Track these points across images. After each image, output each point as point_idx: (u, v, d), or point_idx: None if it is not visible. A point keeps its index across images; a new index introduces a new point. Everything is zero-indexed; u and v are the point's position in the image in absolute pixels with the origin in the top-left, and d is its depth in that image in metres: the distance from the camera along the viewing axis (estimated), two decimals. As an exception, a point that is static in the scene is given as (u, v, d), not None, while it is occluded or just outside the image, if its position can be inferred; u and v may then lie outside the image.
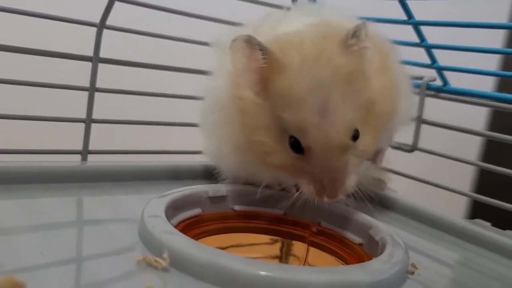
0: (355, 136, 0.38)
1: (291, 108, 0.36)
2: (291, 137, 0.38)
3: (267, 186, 0.46)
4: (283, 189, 0.46)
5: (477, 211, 1.14)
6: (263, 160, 0.40)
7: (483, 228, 0.51)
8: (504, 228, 0.51)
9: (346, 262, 0.42)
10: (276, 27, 0.42)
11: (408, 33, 0.56)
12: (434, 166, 0.75)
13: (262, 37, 0.39)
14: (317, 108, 0.36)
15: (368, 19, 0.49)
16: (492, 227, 0.52)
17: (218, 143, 0.47)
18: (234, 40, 0.38)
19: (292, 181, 0.44)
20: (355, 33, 0.38)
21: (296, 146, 0.38)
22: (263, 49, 0.37)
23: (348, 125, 0.37)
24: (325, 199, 0.38)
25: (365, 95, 0.39)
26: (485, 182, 1.31)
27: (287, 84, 0.37)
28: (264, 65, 0.37)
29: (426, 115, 0.59)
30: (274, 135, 0.39)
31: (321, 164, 0.37)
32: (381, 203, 0.58)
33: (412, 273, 0.38)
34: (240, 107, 0.40)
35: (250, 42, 0.37)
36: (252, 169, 0.44)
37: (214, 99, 0.46)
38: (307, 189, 0.39)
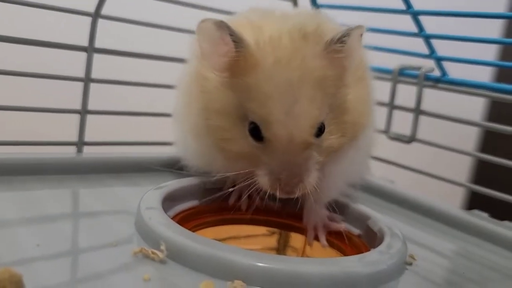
0: (320, 130, 0.37)
1: (257, 101, 0.36)
2: (251, 123, 0.37)
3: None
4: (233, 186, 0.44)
5: (474, 202, 1.15)
6: (220, 146, 0.39)
7: (480, 219, 0.51)
8: (501, 219, 0.51)
9: (344, 253, 0.42)
10: (263, 19, 0.41)
11: (406, 23, 0.56)
12: (432, 157, 0.75)
13: (248, 27, 0.38)
14: (283, 105, 0.35)
15: (365, 9, 0.49)
16: (489, 218, 0.52)
17: (182, 130, 0.46)
18: (202, 21, 0.36)
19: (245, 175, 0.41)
20: (341, 38, 0.37)
21: (255, 133, 0.37)
22: (236, 38, 0.36)
23: (311, 123, 0.36)
24: (280, 194, 0.37)
25: (337, 101, 0.38)
26: (483, 173, 1.31)
27: (257, 80, 0.36)
28: (234, 53, 0.37)
29: (424, 106, 0.59)
30: (234, 121, 0.38)
31: (280, 157, 0.36)
32: (379, 194, 0.58)
33: (410, 264, 0.38)
34: (202, 87, 0.39)
35: (220, 26, 0.36)
36: (210, 158, 0.43)
37: (182, 83, 0.45)
38: (262, 181, 0.37)
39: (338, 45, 0.37)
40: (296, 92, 0.35)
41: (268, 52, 0.36)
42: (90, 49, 0.51)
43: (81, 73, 0.51)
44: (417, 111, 0.59)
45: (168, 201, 0.40)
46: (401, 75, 0.60)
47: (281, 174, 0.36)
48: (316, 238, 0.44)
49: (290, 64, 0.36)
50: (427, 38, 0.55)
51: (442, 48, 0.57)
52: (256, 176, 0.38)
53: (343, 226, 0.43)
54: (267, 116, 0.36)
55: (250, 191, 0.45)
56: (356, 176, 0.49)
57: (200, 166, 0.46)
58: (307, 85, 0.36)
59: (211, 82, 0.39)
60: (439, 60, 0.57)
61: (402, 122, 0.61)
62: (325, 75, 0.36)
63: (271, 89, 0.35)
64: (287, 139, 0.36)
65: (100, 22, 0.51)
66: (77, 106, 0.52)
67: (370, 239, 0.41)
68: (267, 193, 0.39)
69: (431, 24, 0.56)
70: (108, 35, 0.52)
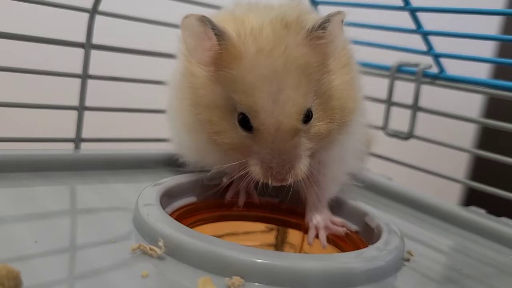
0: (307, 117, 0.38)
1: (243, 92, 0.36)
2: (240, 113, 0.37)
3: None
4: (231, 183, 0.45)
5: (472, 198, 1.15)
6: (213, 140, 0.39)
7: (478, 215, 0.51)
8: (498, 215, 0.52)
9: (342, 249, 0.42)
10: (246, 12, 0.42)
11: (404, 20, 0.56)
12: (429, 153, 0.75)
13: (231, 20, 0.39)
14: (269, 94, 0.36)
15: (362, 5, 0.49)
16: (486, 214, 0.52)
17: (176, 127, 0.46)
18: (185, 17, 0.37)
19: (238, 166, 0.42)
20: (322, 25, 0.37)
21: (244, 123, 0.37)
22: (218, 31, 0.37)
23: (297, 110, 0.36)
24: (272, 182, 0.37)
25: (323, 87, 0.39)
26: (480, 169, 1.31)
27: (241, 71, 0.36)
28: (218, 47, 0.37)
29: (422, 103, 0.59)
30: (223, 113, 0.38)
31: (270, 146, 0.37)
32: (377, 190, 0.58)
33: (408, 260, 0.38)
34: (191, 84, 0.40)
35: (203, 21, 0.36)
36: (204, 152, 0.44)
37: (173, 80, 0.45)
38: (254, 170, 0.38)
39: (320, 31, 0.37)
40: (281, 80, 0.36)
41: (250, 43, 0.37)
42: (88, 46, 0.51)
43: (79, 70, 0.51)
44: (415, 108, 0.59)
45: (166, 197, 0.40)
46: (399, 71, 0.60)
47: (272, 162, 0.36)
48: (317, 237, 0.44)
49: (273, 53, 0.36)
50: (425, 34, 0.55)
51: (440, 45, 0.57)
52: (249, 166, 0.38)
53: (344, 230, 0.43)
54: (254, 105, 0.36)
55: (247, 187, 0.45)
56: (353, 164, 0.49)
57: (195, 161, 0.46)
58: (291, 73, 0.36)
59: (198, 77, 0.39)
60: (437, 56, 0.57)
61: (400, 119, 0.61)
62: (308, 62, 0.37)
63: (255, 78, 0.36)
64: (275, 127, 0.36)
65: (98, 18, 0.50)
66: (75, 102, 0.51)
67: (367, 235, 0.41)
68: (263, 185, 0.39)
69: (429, 21, 0.56)
70: (106, 31, 0.52)
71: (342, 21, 0.38)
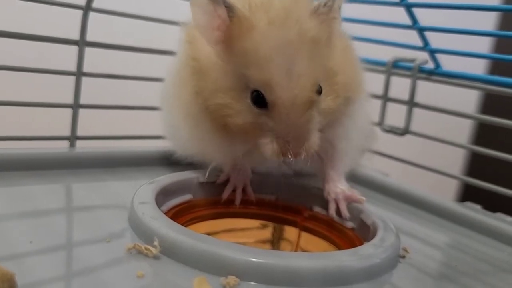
0: (319, 91, 0.38)
1: (257, 65, 0.36)
2: (254, 91, 0.37)
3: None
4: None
5: (467, 194, 1.15)
6: (221, 125, 0.39)
7: (473, 211, 0.51)
8: (494, 211, 0.52)
9: (338, 246, 0.42)
10: None
11: (400, 16, 0.56)
12: (425, 149, 0.75)
13: None
14: (283, 66, 0.35)
15: (359, 1, 0.49)
16: (482, 210, 0.52)
17: (173, 121, 0.46)
18: None
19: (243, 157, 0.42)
20: (327, 3, 0.38)
21: (259, 100, 0.37)
22: (229, 7, 0.36)
23: (312, 81, 0.36)
24: (290, 157, 0.37)
25: (329, 62, 0.39)
26: (476, 165, 1.32)
27: (253, 43, 0.36)
28: (229, 23, 0.37)
29: (418, 98, 0.59)
30: (234, 94, 0.38)
31: (286, 119, 0.36)
32: (372, 186, 0.58)
33: (404, 257, 0.38)
34: (195, 69, 0.39)
35: (229, 8, 0.36)
36: (207, 143, 0.43)
37: (170, 74, 0.45)
38: (270, 148, 0.37)
39: (326, 8, 0.38)
40: (295, 52, 0.36)
41: (262, 15, 0.36)
42: (82, 43, 0.50)
43: (73, 67, 0.51)
44: (411, 104, 0.59)
45: (162, 195, 0.40)
46: (395, 67, 0.60)
47: (288, 136, 0.36)
48: (310, 231, 0.44)
49: (285, 25, 0.36)
50: (421, 30, 0.55)
51: (436, 40, 0.57)
52: (261, 146, 0.38)
53: (364, 198, 0.43)
54: (269, 80, 0.36)
55: (244, 184, 0.45)
56: (363, 140, 0.49)
57: (194, 155, 0.46)
58: (304, 45, 0.36)
59: (204, 61, 0.39)
60: (433, 52, 0.57)
61: (396, 115, 0.61)
62: (318, 35, 0.37)
63: (269, 51, 0.35)
64: (291, 100, 0.36)
65: (92, 15, 0.50)
66: (70, 100, 0.51)
67: (363, 232, 0.41)
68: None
69: (425, 17, 0.56)
70: (101, 28, 0.52)
71: (340, 7, 0.40)
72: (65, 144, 0.51)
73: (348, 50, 0.43)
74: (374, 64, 0.61)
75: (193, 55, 0.40)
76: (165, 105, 0.48)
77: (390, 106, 0.61)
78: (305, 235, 0.46)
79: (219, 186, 0.45)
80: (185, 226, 0.35)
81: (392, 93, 0.61)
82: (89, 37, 0.51)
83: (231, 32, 0.37)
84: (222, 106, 0.38)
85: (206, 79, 0.39)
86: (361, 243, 0.39)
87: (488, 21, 1.22)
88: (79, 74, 0.51)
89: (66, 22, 0.51)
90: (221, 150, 0.42)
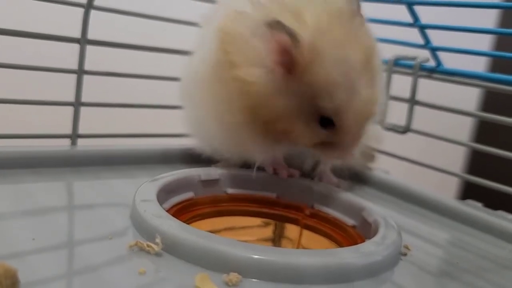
0: None
1: (327, 94, 0.36)
2: (323, 117, 0.37)
3: (260, 168, 0.46)
4: (275, 173, 0.47)
5: (468, 192, 1.15)
6: (286, 141, 0.40)
7: (474, 208, 0.51)
8: (495, 209, 0.52)
9: (339, 244, 0.42)
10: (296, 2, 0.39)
11: (401, 13, 0.56)
12: (426, 147, 0.75)
13: (287, 13, 0.37)
14: (353, 90, 0.36)
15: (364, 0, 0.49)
16: (483, 207, 0.52)
17: (207, 123, 0.46)
18: (260, 24, 0.36)
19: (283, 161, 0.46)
20: (356, 9, 0.38)
21: (327, 123, 0.38)
22: (291, 34, 0.35)
23: (376, 98, 0.38)
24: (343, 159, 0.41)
25: (374, 58, 0.39)
26: (477, 163, 1.32)
27: (321, 71, 0.36)
28: (292, 51, 0.36)
29: (419, 96, 0.59)
30: (300, 121, 0.38)
31: (352, 135, 0.38)
32: (374, 184, 0.58)
33: (405, 254, 0.39)
34: (243, 90, 0.38)
35: (276, 26, 0.35)
36: (246, 149, 0.44)
37: (199, 77, 0.45)
38: (328, 154, 0.40)
39: (356, 9, 0.38)
40: (360, 73, 0.36)
41: (324, 38, 0.36)
42: (83, 41, 0.50)
43: (75, 65, 0.51)
44: (412, 101, 0.59)
45: (164, 193, 0.40)
46: (396, 65, 0.60)
47: (349, 146, 0.39)
48: (312, 229, 0.45)
49: (348, 48, 0.36)
50: (422, 28, 0.55)
51: (437, 38, 0.57)
52: (319, 151, 0.40)
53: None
54: (340, 107, 0.36)
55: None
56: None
57: (230, 154, 0.46)
58: (367, 64, 0.37)
59: (257, 86, 0.38)
60: (434, 50, 0.57)
61: (397, 113, 0.61)
62: (373, 50, 0.38)
63: (338, 77, 0.36)
64: (359, 118, 0.37)
65: (93, 13, 0.50)
66: (71, 98, 0.51)
67: (365, 230, 0.41)
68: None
69: (426, 14, 0.56)
70: (101, 26, 0.52)
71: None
72: (66, 142, 0.52)
73: (369, 33, 0.42)
74: (375, 62, 0.61)
75: (242, 77, 0.38)
76: (194, 106, 0.48)
77: (391, 104, 0.61)
78: (306, 233, 0.46)
79: (220, 184, 0.46)
80: (187, 224, 0.35)
81: (393, 91, 0.61)
82: (91, 35, 0.51)
83: (293, 59, 0.36)
84: (285, 130, 0.39)
85: (261, 103, 0.38)
86: (363, 241, 0.39)
87: (489, 19, 1.22)
88: (80, 72, 0.51)
89: (67, 20, 0.51)
90: (265, 152, 0.44)
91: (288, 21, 0.36)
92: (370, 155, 0.59)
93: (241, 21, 0.38)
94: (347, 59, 0.36)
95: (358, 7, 0.38)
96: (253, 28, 0.36)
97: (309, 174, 0.49)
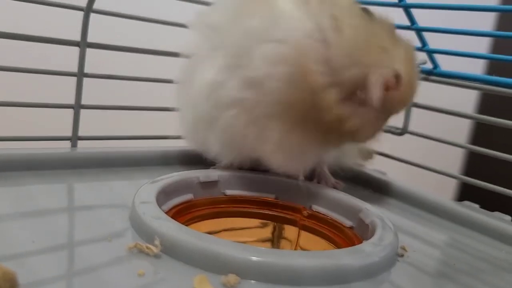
0: None
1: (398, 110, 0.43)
2: None
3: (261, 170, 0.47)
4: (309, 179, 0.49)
5: (465, 193, 1.16)
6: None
7: (471, 210, 0.51)
8: (492, 210, 0.52)
9: (337, 245, 0.43)
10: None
11: (398, 16, 0.56)
12: (424, 149, 0.75)
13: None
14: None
15: (361, 2, 0.49)
16: (480, 209, 0.53)
17: (218, 130, 0.45)
18: (379, 75, 0.38)
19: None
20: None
21: None
22: (398, 77, 0.39)
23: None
24: None
25: None
26: (474, 165, 1.32)
27: (400, 96, 0.40)
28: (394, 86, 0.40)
29: (416, 98, 0.59)
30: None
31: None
32: (371, 186, 0.58)
33: (402, 255, 0.39)
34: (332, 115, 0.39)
35: (398, 77, 0.39)
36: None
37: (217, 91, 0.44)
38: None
39: None
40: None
41: (406, 71, 0.40)
42: (83, 44, 0.51)
43: (75, 68, 0.51)
44: (410, 104, 0.59)
45: (163, 195, 0.41)
46: (393, 67, 0.61)
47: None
48: (310, 230, 0.45)
49: (414, 70, 0.42)
50: (419, 31, 0.56)
51: (434, 41, 0.57)
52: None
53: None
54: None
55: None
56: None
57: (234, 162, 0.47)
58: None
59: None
60: (431, 53, 0.57)
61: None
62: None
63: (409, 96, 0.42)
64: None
65: (93, 16, 0.50)
66: (71, 101, 0.52)
67: (362, 231, 0.42)
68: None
69: (423, 17, 0.56)
70: (101, 29, 0.52)
71: None
72: (67, 144, 0.52)
73: None
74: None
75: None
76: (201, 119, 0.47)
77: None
78: (304, 234, 0.46)
79: (219, 186, 0.46)
80: (186, 225, 0.35)
81: (391, 93, 0.61)
82: (91, 38, 0.51)
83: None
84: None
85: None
86: (360, 242, 0.40)
87: (486, 22, 1.23)
88: (80, 75, 0.51)
89: (67, 24, 0.52)
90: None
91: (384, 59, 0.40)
92: (368, 153, 0.60)
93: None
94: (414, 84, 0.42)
95: None
96: (382, 80, 0.39)
97: (308, 175, 0.50)
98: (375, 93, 0.38)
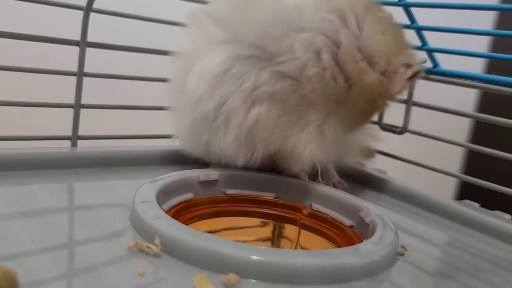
0: None
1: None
2: None
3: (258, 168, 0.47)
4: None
5: (465, 192, 1.16)
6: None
7: (471, 209, 0.51)
8: (492, 209, 0.52)
9: (337, 244, 0.43)
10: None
11: (398, 15, 0.56)
12: (424, 148, 0.75)
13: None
14: None
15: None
16: (480, 207, 0.53)
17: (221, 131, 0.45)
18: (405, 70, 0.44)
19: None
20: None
21: None
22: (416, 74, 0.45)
23: None
24: None
25: None
26: (474, 163, 1.32)
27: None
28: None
29: (416, 97, 0.59)
30: None
31: None
32: (371, 184, 0.58)
33: (402, 254, 0.39)
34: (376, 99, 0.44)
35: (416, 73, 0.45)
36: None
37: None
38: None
39: None
40: None
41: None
42: (83, 43, 0.51)
43: (75, 67, 0.51)
44: (409, 102, 0.59)
45: (163, 194, 0.41)
46: (393, 66, 0.60)
47: None
48: (310, 229, 0.45)
49: None
50: (419, 29, 0.56)
51: (434, 40, 0.57)
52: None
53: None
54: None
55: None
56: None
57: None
58: None
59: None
60: (431, 51, 0.57)
61: (394, 113, 0.62)
62: None
63: None
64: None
65: (93, 16, 0.50)
66: (71, 100, 0.52)
67: (362, 230, 0.42)
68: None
69: (422, 16, 0.56)
70: (101, 28, 0.52)
71: None
72: (66, 144, 0.52)
73: None
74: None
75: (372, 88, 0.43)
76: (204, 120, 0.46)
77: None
78: (304, 233, 0.46)
79: (219, 185, 0.46)
80: (186, 225, 0.35)
81: (390, 92, 0.61)
82: (90, 38, 0.51)
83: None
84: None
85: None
86: (360, 241, 0.40)
87: (486, 21, 1.23)
88: (80, 74, 0.51)
89: (67, 23, 0.52)
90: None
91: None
92: (370, 152, 0.60)
93: None
94: None
95: None
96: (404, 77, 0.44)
97: (311, 172, 0.49)
98: (399, 82, 0.44)
